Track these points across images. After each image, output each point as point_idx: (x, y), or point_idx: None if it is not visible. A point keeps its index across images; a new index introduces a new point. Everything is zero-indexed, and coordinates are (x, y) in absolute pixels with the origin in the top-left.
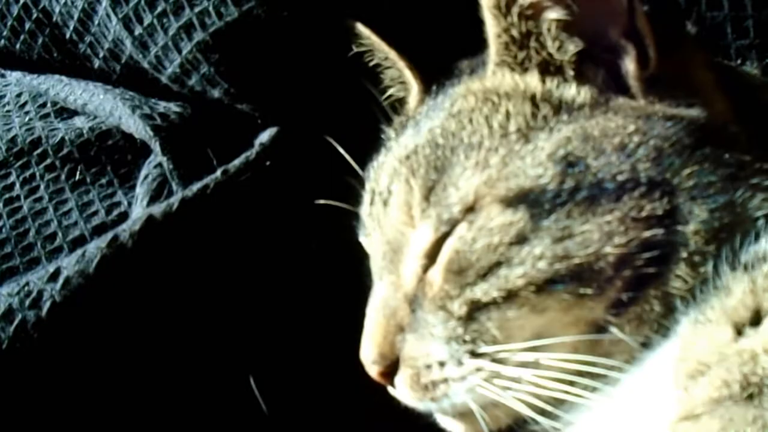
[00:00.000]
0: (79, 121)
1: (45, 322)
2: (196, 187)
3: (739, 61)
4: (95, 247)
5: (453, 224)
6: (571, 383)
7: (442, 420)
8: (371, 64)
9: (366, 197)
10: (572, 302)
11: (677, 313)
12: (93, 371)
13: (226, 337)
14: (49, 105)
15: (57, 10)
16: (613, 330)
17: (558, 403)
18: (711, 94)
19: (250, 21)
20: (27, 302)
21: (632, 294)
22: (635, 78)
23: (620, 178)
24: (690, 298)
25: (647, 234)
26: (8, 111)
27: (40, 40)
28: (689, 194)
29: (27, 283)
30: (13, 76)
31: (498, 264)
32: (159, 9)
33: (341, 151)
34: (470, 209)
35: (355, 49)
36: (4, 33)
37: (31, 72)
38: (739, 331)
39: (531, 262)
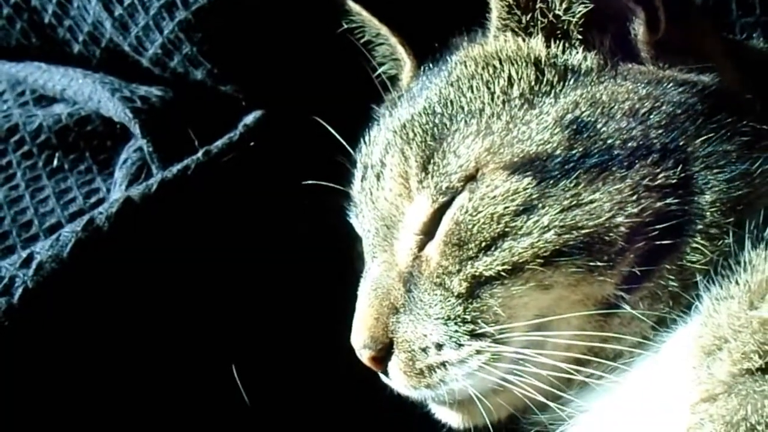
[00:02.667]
0: (57, 108)
1: (16, 309)
2: (176, 168)
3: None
4: (70, 231)
5: (453, 194)
6: (580, 364)
7: (437, 410)
8: (362, 41)
9: (357, 173)
10: (581, 277)
11: (699, 290)
12: (67, 358)
13: (208, 322)
14: (27, 93)
15: None
16: (625, 307)
17: (566, 386)
18: (722, 61)
19: None
20: None
21: (646, 268)
22: (645, 42)
23: (631, 144)
24: (712, 273)
25: (661, 204)
26: None
27: (18, 26)
28: (704, 163)
29: None
30: None
31: (502, 235)
32: None
33: (330, 129)
34: (471, 177)
35: (345, 26)
36: None
37: (9, 60)
38: (752, 304)
39: (538, 233)
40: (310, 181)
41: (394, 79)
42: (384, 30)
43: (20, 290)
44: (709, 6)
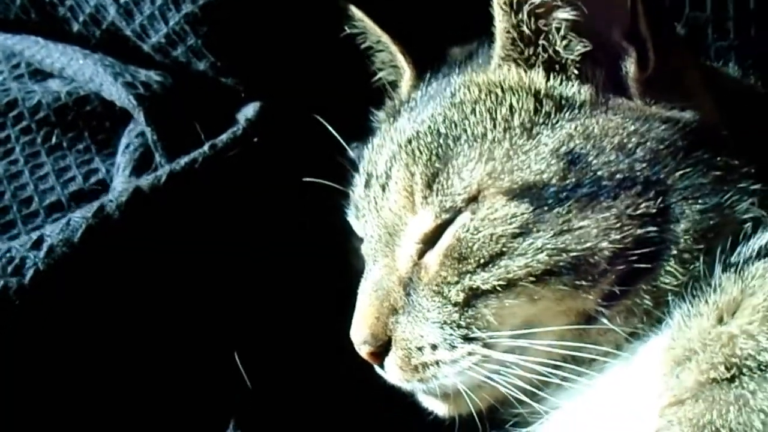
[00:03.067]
0: (54, 84)
1: (27, 290)
2: (183, 161)
3: (720, 63)
4: (81, 217)
5: (455, 213)
6: (557, 368)
7: (425, 400)
8: (363, 46)
9: (360, 179)
10: (567, 293)
11: (670, 307)
12: (72, 341)
13: (212, 312)
14: (23, 66)
15: None
16: (603, 320)
17: (544, 385)
18: (701, 95)
19: None
20: (9, 269)
21: (624, 287)
22: (635, 79)
23: (618, 176)
24: (683, 293)
25: (641, 231)
26: None
27: (18, 1)
28: (681, 195)
29: (9, 250)
30: None
31: (500, 254)
32: None
33: (329, 128)
34: (473, 199)
35: (348, 31)
36: None
37: (5, 32)
38: (720, 320)
39: (532, 254)
40: (309, 179)
41: (393, 85)
42: (385, 38)
43: (31, 272)
44: (688, 28)
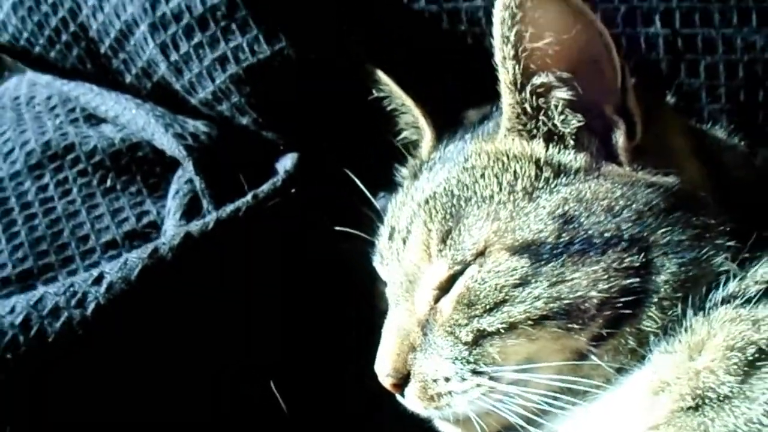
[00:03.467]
0: (108, 130)
1: (89, 321)
2: (229, 209)
3: (711, 123)
4: (137, 257)
5: (465, 265)
6: (555, 398)
7: (440, 425)
8: (389, 108)
9: (385, 231)
10: (561, 334)
11: (651, 346)
12: (125, 371)
13: (251, 348)
14: (78, 110)
15: (94, 26)
16: (593, 357)
17: (543, 413)
18: (684, 161)
19: (281, 59)
20: (73, 302)
21: (611, 330)
22: (623, 149)
23: (606, 235)
24: (661, 334)
25: (626, 282)
26: (39, 113)
27: (75, 52)
28: (662, 250)
29: (72, 285)
30: (44, 78)
31: (503, 301)
32: (195, 40)
33: (358, 183)
34: (481, 253)
35: (375, 94)
36: (41, 41)
37: (61, 77)
38: (691, 358)
39: (530, 301)
40: (340, 228)
41: (415, 144)
42: (408, 101)
43: (93, 305)
44: (683, 93)
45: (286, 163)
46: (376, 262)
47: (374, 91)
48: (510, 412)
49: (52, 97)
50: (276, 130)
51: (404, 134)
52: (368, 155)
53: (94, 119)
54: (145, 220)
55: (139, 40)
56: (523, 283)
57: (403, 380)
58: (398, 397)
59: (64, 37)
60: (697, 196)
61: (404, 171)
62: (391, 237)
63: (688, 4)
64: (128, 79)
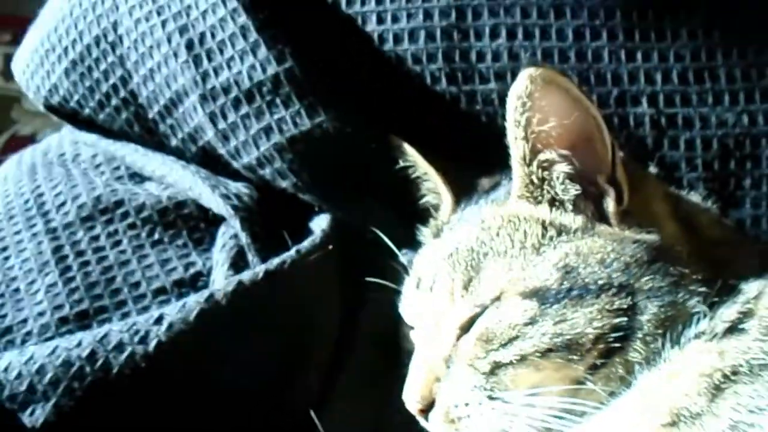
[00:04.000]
0: (152, 187)
1: (151, 356)
2: (276, 261)
3: (689, 189)
4: (194, 301)
5: (484, 308)
6: (557, 417)
7: None
8: (413, 175)
9: (412, 281)
10: (562, 364)
11: (636, 374)
12: (182, 400)
13: (293, 384)
14: (122, 169)
15: (144, 94)
16: (589, 384)
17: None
18: (664, 221)
19: (320, 131)
20: (136, 338)
21: (604, 360)
22: (613, 213)
23: (600, 282)
24: (645, 363)
25: (616, 321)
26: (85, 169)
27: (123, 115)
28: (645, 295)
29: (134, 324)
30: (88, 137)
31: (515, 338)
32: (243, 111)
33: (386, 240)
34: (497, 298)
35: (402, 164)
36: (91, 104)
37: (107, 137)
38: (669, 383)
39: (538, 337)
40: (371, 279)
41: (436, 207)
42: (430, 171)
43: (154, 342)
44: (666, 164)
45: (321, 222)
46: (402, 308)
47: (400, 161)
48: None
49: (98, 156)
50: (312, 192)
51: (426, 198)
52: (394, 217)
53: (138, 177)
54: (192, 270)
55: (188, 108)
56: (532, 322)
57: (428, 406)
58: (422, 422)
59: (113, 102)
60: (675, 250)
61: (426, 231)
62: (418, 286)
63: (670, 88)
64: (174, 142)
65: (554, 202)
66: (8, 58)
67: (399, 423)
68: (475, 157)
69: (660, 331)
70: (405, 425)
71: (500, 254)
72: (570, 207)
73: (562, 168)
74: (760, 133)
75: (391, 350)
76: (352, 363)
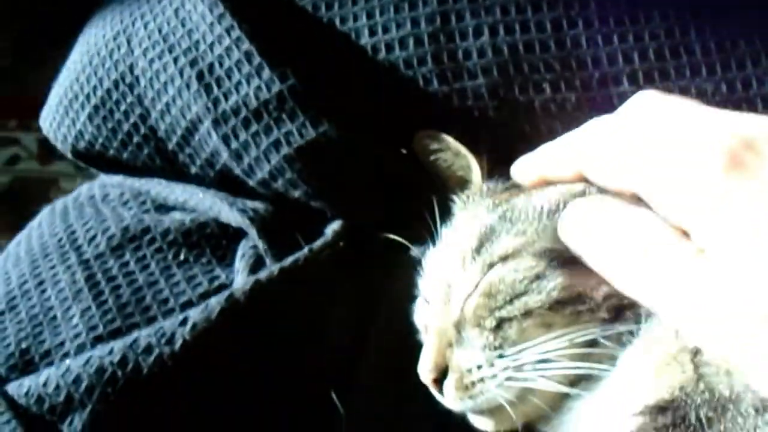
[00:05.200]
0: (177, 215)
1: (178, 355)
2: (290, 260)
3: None
4: (215, 302)
5: (491, 266)
6: (570, 382)
7: (474, 419)
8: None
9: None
10: (573, 319)
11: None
12: (208, 395)
13: (313, 375)
14: (149, 202)
15: (162, 127)
16: (602, 341)
17: (559, 399)
18: None
19: (325, 139)
20: (163, 340)
21: (614, 317)
22: None
23: None
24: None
25: None
26: (114, 206)
27: (145, 151)
28: None
29: (161, 328)
30: (115, 179)
31: (522, 293)
32: (253, 129)
33: (404, 242)
34: (505, 257)
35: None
36: (114, 144)
37: (131, 175)
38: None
39: (545, 293)
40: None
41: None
42: (461, 148)
43: (180, 341)
44: None
45: (334, 225)
46: (420, 283)
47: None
48: (534, 391)
49: (125, 194)
50: (323, 198)
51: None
52: (403, 219)
53: (163, 208)
54: (216, 283)
55: (203, 134)
56: (540, 277)
57: (441, 375)
58: (437, 395)
59: (135, 139)
60: None
61: (458, 201)
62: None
63: (648, 65)
64: (193, 170)
65: None
66: (43, 144)
67: (419, 416)
68: (468, 150)
69: None
70: (425, 418)
71: (514, 222)
72: None
73: None
74: (739, 99)
75: (409, 346)
76: (369, 359)
